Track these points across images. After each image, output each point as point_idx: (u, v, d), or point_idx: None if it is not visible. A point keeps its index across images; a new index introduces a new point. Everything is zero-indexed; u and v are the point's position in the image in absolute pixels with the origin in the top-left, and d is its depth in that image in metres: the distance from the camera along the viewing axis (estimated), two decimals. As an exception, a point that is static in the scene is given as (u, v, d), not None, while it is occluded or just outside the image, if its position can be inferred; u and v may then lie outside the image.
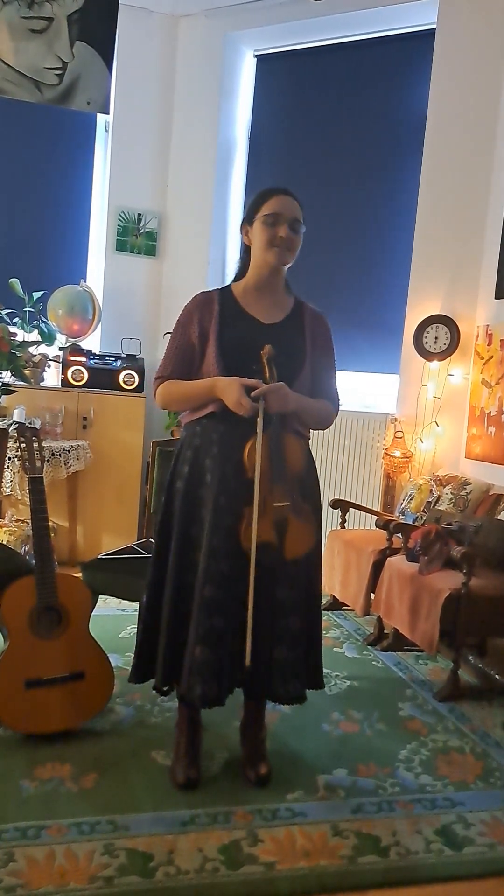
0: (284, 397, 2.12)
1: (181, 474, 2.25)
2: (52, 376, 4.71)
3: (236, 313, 2.26)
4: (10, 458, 3.90)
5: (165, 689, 2.29)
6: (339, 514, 4.14)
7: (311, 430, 2.38)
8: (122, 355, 4.78)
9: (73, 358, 4.62)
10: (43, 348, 4.68)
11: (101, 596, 2.77)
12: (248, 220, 2.28)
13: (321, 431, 4.46)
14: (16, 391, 4.07)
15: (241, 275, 2.33)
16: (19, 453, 2.60)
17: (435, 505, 3.82)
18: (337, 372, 2.39)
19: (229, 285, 2.35)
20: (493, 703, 3.02)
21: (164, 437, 4.88)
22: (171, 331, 2.33)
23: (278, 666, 2.20)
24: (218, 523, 2.15)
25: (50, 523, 2.78)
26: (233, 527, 2.13)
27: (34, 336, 4.65)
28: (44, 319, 4.71)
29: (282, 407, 2.12)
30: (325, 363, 2.34)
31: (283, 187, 2.27)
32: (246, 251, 2.31)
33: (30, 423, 3.89)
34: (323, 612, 3.98)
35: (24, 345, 4.50)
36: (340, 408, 2.39)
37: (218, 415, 2.19)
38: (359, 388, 4.78)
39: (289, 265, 2.28)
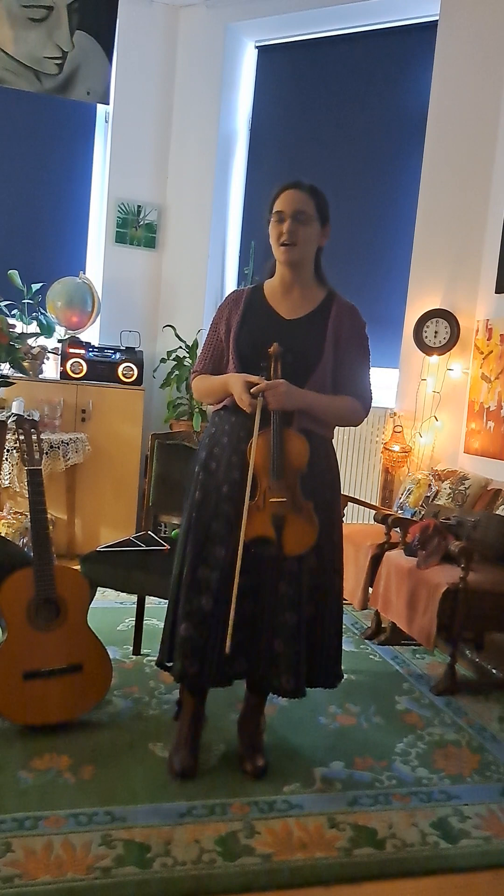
0: (284, 394, 2.12)
1: (200, 461, 2.32)
2: (50, 368, 4.70)
3: (260, 309, 2.30)
4: (8, 451, 3.90)
5: (169, 664, 2.33)
6: (338, 507, 4.13)
7: (333, 428, 2.35)
8: (122, 348, 4.76)
9: (71, 350, 4.60)
10: (42, 340, 4.66)
11: (99, 588, 2.77)
12: (266, 218, 2.30)
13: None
14: (14, 383, 4.06)
15: (273, 271, 2.35)
16: (18, 445, 2.60)
17: (433, 499, 3.82)
18: (370, 367, 2.35)
19: (264, 282, 2.38)
20: (490, 697, 3.03)
21: (162, 431, 4.87)
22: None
23: (275, 659, 2.21)
24: (219, 510, 2.21)
25: (48, 515, 2.77)
26: (232, 515, 2.16)
27: (33, 328, 4.64)
28: (43, 311, 4.70)
29: (281, 404, 2.13)
30: (352, 358, 2.29)
31: (293, 181, 2.26)
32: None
33: (28, 416, 3.88)
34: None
35: (23, 337, 4.49)
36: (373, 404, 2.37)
37: (230, 408, 2.26)
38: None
39: (297, 259, 2.25)
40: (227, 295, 2.42)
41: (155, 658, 2.44)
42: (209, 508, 2.24)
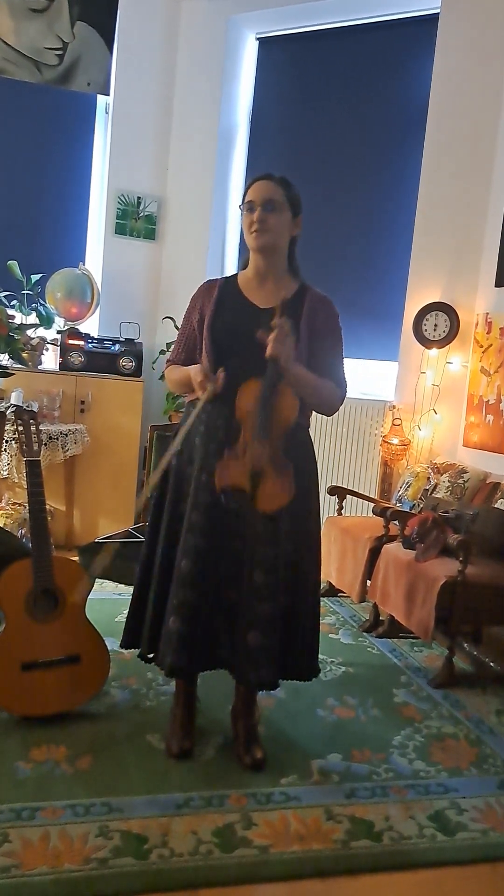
0: (291, 345, 2.12)
1: (176, 453, 2.32)
2: (49, 359, 4.69)
3: (235, 299, 2.33)
4: (7, 441, 3.89)
5: (150, 656, 2.37)
6: (337, 500, 4.14)
7: (310, 413, 2.37)
8: (121, 339, 4.75)
9: (71, 341, 4.59)
10: (41, 331, 4.65)
11: (97, 579, 2.77)
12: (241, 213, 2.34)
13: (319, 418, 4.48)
14: (13, 374, 4.05)
15: (247, 263, 2.39)
16: (17, 436, 2.59)
17: (432, 493, 3.82)
18: (344, 358, 2.38)
19: (237, 273, 2.41)
20: (488, 690, 3.04)
21: (161, 422, 4.87)
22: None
23: (250, 651, 2.20)
24: (198, 499, 2.22)
25: (47, 507, 2.77)
26: (211, 503, 2.18)
27: (32, 319, 4.63)
28: (42, 302, 4.69)
29: (285, 353, 2.10)
30: (328, 347, 2.33)
31: (261, 173, 2.33)
32: None
33: (27, 406, 3.87)
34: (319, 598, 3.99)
35: (23, 327, 4.47)
36: (347, 394, 2.40)
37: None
38: (357, 375, 4.77)
39: (269, 244, 2.27)
40: (200, 285, 2.41)
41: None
42: (188, 499, 2.25)
